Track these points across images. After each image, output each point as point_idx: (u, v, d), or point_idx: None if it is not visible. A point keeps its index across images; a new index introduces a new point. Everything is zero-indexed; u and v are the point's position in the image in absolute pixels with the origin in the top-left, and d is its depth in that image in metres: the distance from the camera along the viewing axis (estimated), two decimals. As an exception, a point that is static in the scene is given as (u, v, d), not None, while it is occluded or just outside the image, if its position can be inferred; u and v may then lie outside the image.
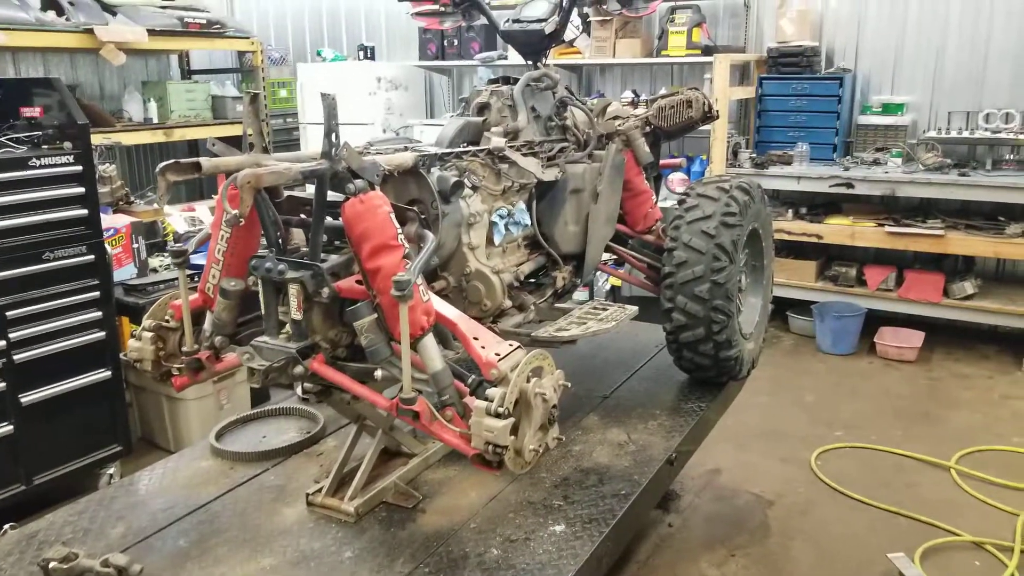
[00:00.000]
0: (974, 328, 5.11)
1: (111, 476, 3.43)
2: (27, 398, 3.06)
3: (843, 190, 4.88)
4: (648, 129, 2.83)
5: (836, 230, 5.01)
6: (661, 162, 3.03)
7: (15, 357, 3.01)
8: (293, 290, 1.66)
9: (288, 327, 1.72)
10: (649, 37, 5.70)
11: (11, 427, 3.03)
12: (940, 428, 3.99)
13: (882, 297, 5.02)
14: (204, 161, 1.59)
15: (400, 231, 1.64)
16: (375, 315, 1.63)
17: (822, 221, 5.10)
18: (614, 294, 5.72)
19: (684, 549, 3.01)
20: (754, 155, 5.28)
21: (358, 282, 1.68)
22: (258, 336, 1.76)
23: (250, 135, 1.72)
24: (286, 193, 1.80)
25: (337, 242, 1.82)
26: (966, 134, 4.84)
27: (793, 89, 5.25)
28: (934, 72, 5.15)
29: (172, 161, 1.54)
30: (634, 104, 2.98)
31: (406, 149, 2.04)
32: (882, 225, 4.88)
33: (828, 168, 5.03)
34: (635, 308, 2.40)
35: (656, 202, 2.90)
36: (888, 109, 5.22)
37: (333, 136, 1.59)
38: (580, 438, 2.35)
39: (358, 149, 1.76)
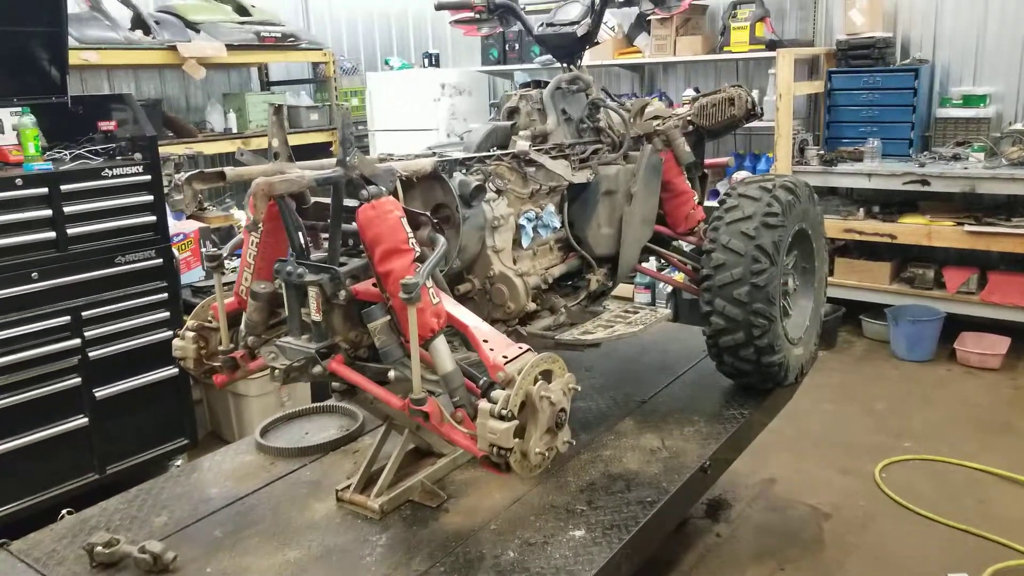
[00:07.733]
0: (1068, 334, 4.73)
1: (178, 468, 3.63)
2: (100, 393, 3.28)
3: (918, 187, 4.62)
4: (690, 128, 2.77)
5: (911, 229, 4.74)
6: (707, 162, 2.96)
7: (90, 354, 3.23)
8: (312, 292, 1.72)
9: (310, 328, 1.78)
10: (711, 33, 5.56)
11: (86, 419, 3.25)
12: (1021, 441, 3.71)
13: (963, 300, 4.72)
14: (228, 170, 1.67)
15: (412, 235, 1.67)
16: (388, 317, 1.67)
17: (896, 220, 4.84)
18: (675, 296, 5.60)
19: (731, 560, 2.92)
20: (822, 152, 5.07)
21: (374, 285, 1.73)
22: (284, 337, 1.83)
23: (275, 145, 1.79)
24: (312, 200, 1.87)
25: (361, 246, 1.87)
26: (1056, 126, 4.50)
27: (864, 83, 4.99)
28: (1020, 61, 4.79)
29: (197, 171, 1.62)
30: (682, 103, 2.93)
31: (434, 155, 2.08)
32: (961, 224, 4.58)
33: (902, 164, 4.77)
34: (668, 311, 2.38)
35: (702, 203, 2.84)
36: (969, 101, 4.89)
37: (347, 145, 1.64)
38: (612, 443, 2.33)
39: (374, 157, 1.81)
